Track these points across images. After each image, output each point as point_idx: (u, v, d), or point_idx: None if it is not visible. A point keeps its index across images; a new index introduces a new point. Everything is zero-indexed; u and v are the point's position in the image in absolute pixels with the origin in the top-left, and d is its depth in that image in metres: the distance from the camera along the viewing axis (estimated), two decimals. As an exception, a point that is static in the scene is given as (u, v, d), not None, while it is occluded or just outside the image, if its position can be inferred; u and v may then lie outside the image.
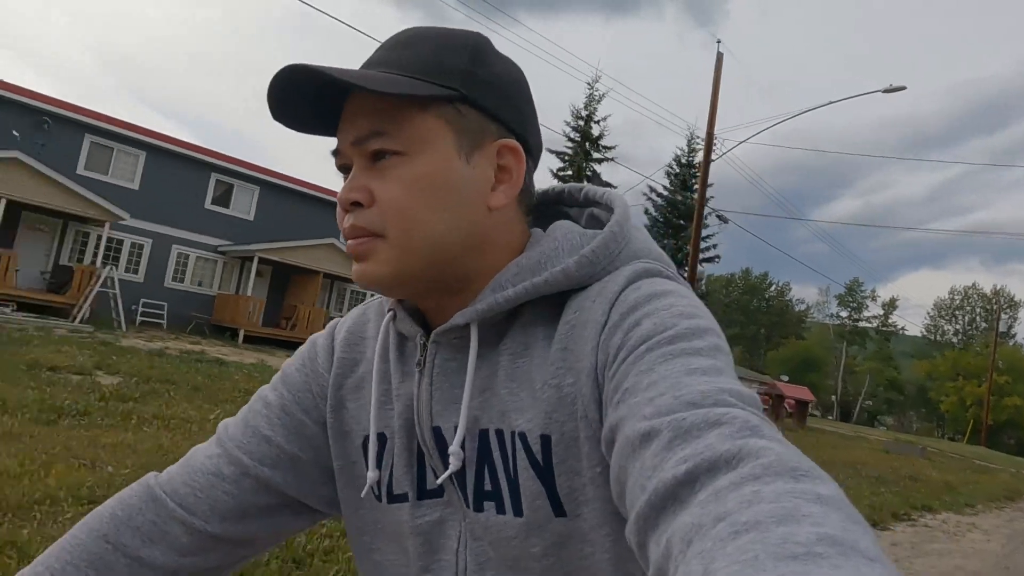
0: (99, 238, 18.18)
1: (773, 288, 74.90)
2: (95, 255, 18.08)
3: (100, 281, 16.49)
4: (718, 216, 19.03)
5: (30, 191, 15.99)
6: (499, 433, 0.63)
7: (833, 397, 60.43)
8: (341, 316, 0.79)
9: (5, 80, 17.23)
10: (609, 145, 20.36)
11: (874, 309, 65.39)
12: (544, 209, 0.74)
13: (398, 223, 0.60)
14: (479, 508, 0.64)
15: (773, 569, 0.31)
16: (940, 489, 11.22)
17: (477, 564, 0.65)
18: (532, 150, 0.67)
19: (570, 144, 20.32)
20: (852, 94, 16.51)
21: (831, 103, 16.28)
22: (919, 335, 69.60)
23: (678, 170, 22.34)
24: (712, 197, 18.00)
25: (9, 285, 15.67)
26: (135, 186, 19.17)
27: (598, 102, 20.26)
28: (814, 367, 59.95)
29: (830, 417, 54.64)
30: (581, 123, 20.23)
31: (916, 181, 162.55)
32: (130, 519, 0.69)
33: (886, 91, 15.53)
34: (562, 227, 0.67)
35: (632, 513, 0.44)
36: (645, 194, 22.29)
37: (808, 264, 78.00)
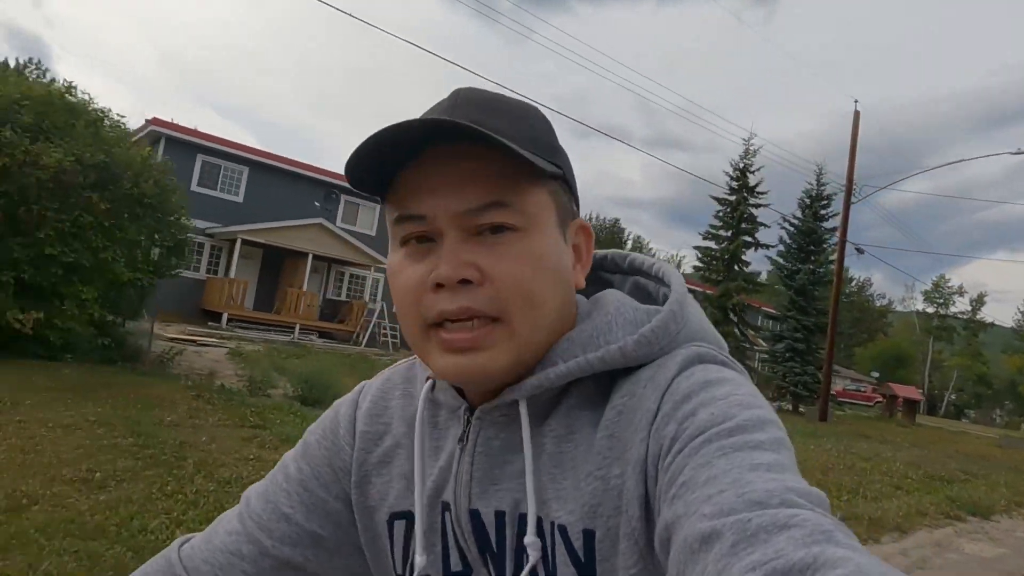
0: (362, 278, 23.89)
1: (854, 283, 76.14)
2: (360, 291, 23.69)
3: (377, 312, 21.64)
4: (856, 248, 22.68)
5: (327, 247, 21.16)
6: (538, 521, 0.58)
7: (920, 391, 61.49)
8: None
9: (309, 163, 22.62)
10: (763, 191, 24.04)
11: (960, 304, 66.20)
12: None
13: (523, 305, 0.56)
14: None
15: None
16: (1068, 477, 14.17)
17: None
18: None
19: (730, 193, 24.01)
20: (981, 155, 19.86)
21: (963, 160, 19.70)
22: (1008, 326, 69.78)
23: (809, 202, 26.01)
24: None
25: (312, 317, 20.85)
26: (373, 232, 24.20)
27: (753, 155, 23.80)
28: (904, 364, 61.11)
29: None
30: (738, 173, 23.89)
31: (991, 159, 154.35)
32: None
33: (1014, 153, 18.83)
34: (612, 298, 0.64)
35: None
36: (779, 223, 25.93)
37: (878, 252, 77.33)
